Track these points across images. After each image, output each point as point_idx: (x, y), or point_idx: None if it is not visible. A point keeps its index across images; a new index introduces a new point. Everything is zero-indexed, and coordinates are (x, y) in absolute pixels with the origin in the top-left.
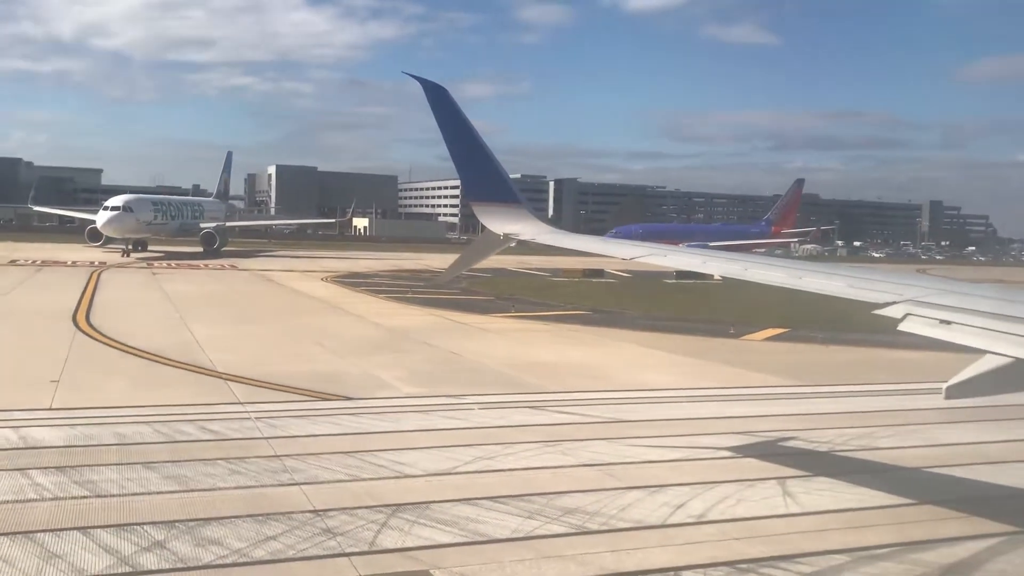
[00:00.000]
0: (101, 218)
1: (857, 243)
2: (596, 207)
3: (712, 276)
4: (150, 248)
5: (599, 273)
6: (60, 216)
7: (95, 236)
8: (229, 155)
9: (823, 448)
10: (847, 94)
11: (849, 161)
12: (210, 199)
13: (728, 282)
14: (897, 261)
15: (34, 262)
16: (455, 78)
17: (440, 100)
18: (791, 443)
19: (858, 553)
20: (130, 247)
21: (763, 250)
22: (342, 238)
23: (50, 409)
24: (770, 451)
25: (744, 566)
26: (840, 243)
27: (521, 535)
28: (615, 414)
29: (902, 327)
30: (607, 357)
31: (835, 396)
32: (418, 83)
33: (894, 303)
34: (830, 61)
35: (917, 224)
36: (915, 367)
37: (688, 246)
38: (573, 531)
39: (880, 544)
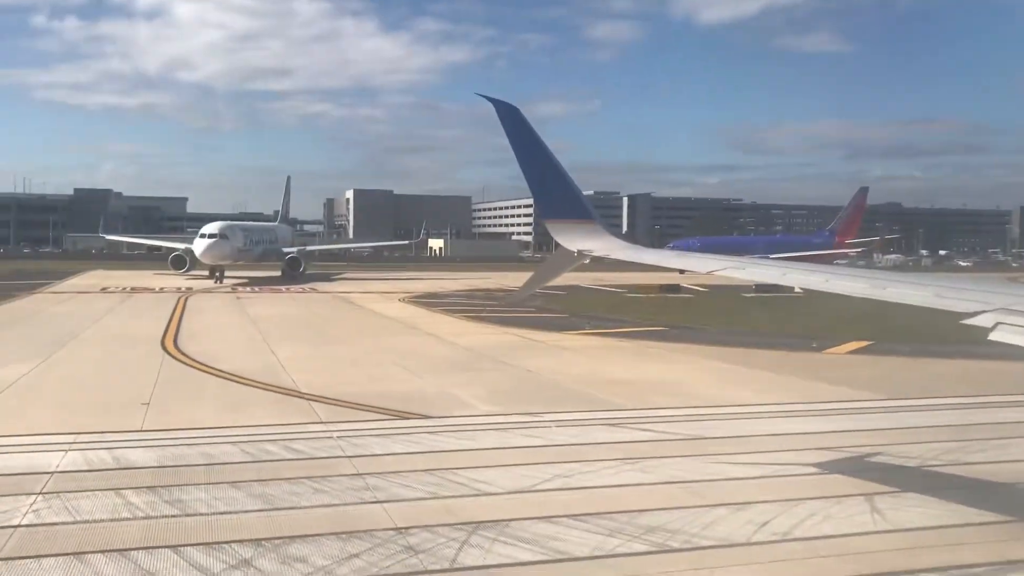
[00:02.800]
0: (199, 246)
1: (942, 252)
2: (670, 221)
3: (792, 289)
4: (227, 273)
5: (675, 288)
6: (148, 245)
7: (179, 263)
8: (288, 180)
9: (912, 463)
10: (926, 100)
11: (930, 168)
12: (279, 224)
13: (809, 295)
14: (986, 270)
15: (124, 289)
16: (526, 98)
17: (512, 119)
18: (878, 459)
19: (952, 572)
20: (220, 273)
21: (844, 261)
22: (418, 259)
23: (141, 431)
24: (857, 467)
25: None
26: (924, 252)
27: (602, 553)
28: (696, 431)
29: (992, 337)
30: (686, 373)
31: (923, 410)
32: (490, 104)
33: (984, 312)
34: (906, 67)
35: (1007, 230)
36: (1007, 378)
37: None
38: (655, 549)
39: (976, 563)
